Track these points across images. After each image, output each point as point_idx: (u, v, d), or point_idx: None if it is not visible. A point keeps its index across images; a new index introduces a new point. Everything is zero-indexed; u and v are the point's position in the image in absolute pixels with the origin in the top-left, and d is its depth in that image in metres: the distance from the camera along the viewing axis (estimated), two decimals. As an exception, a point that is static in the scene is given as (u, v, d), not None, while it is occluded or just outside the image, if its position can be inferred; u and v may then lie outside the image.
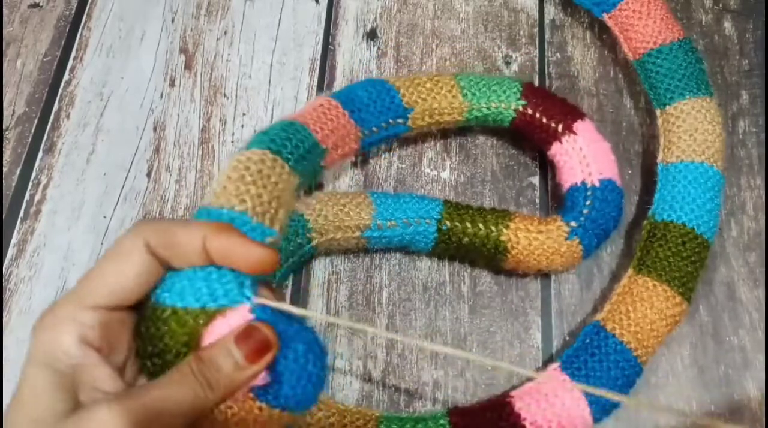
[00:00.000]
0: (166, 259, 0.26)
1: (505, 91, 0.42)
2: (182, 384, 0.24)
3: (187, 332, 0.26)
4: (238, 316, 0.26)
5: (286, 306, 0.27)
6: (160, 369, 0.26)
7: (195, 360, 0.25)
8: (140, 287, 0.26)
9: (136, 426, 0.22)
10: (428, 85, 0.41)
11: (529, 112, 0.42)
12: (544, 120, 0.42)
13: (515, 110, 0.42)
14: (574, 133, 0.41)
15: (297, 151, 0.33)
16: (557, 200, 0.44)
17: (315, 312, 0.28)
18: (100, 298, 0.25)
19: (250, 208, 0.29)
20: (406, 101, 0.40)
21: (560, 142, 0.42)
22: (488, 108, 0.42)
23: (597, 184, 0.40)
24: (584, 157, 0.41)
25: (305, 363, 0.26)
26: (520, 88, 0.42)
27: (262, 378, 0.26)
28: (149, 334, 0.26)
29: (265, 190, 0.30)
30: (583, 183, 0.40)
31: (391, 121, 0.40)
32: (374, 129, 0.39)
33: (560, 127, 0.41)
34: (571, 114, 0.42)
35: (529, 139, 0.44)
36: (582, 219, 0.39)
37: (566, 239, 0.38)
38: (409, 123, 0.41)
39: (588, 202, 0.39)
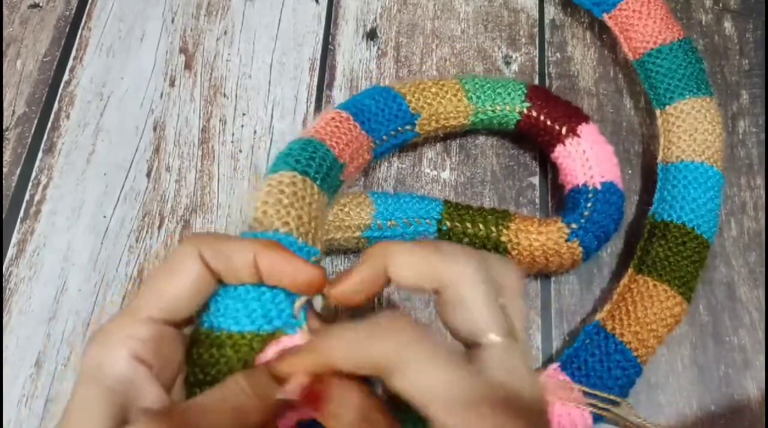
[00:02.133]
0: (219, 272, 0.25)
1: (509, 94, 0.42)
2: (226, 398, 0.23)
3: (242, 357, 0.25)
4: (291, 344, 0.25)
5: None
6: None
7: (243, 374, 0.24)
8: (193, 299, 0.25)
9: None
10: (433, 90, 0.41)
11: (534, 114, 0.42)
12: (549, 122, 0.42)
13: (520, 112, 0.42)
14: (578, 136, 0.41)
15: (321, 170, 0.33)
16: (558, 201, 0.44)
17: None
18: (154, 311, 0.24)
19: (294, 229, 0.29)
20: (413, 107, 0.40)
21: (564, 144, 0.41)
22: (493, 110, 0.42)
23: (599, 187, 0.40)
24: (587, 159, 0.41)
25: None
26: (525, 90, 0.42)
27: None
28: (201, 361, 0.25)
29: (303, 211, 0.30)
30: (585, 185, 0.40)
31: (399, 128, 0.40)
32: (384, 137, 0.39)
33: (564, 130, 0.41)
34: (575, 116, 0.42)
35: (532, 141, 0.44)
36: (583, 221, 0.39)
37: (567, 240, 0.38)
38: (417, 129, 0.41)
39: (589, 204, 0.39)
